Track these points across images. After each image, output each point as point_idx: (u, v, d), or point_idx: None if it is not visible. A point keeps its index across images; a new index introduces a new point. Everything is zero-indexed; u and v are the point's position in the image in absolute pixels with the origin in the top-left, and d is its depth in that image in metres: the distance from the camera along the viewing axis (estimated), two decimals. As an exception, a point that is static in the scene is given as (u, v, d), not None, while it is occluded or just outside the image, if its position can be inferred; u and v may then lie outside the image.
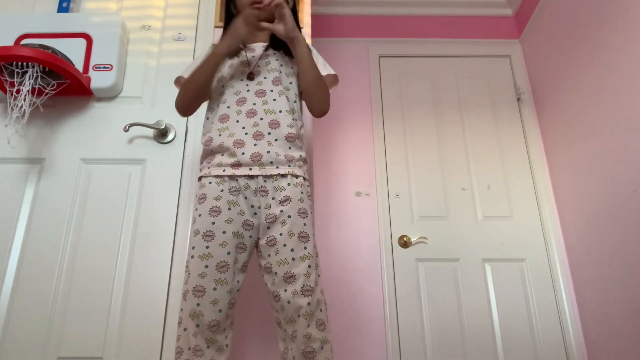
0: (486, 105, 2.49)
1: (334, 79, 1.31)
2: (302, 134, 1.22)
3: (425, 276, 2.16)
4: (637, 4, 1.70)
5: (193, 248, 1.07)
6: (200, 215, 1.09)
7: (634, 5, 1.72)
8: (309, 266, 1.06)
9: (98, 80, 1.60)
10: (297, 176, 1.13)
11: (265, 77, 1.21)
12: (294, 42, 1.18)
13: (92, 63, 1.61)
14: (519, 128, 2.44)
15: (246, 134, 1.13)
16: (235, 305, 1.12)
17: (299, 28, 1.26)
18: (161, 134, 1.61)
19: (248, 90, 1.19)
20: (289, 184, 1.11)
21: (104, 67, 1.61)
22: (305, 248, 1.07)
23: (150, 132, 1.61)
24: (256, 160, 1.11)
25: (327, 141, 2.43)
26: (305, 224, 1.09)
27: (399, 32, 2.69)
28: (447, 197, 2.30)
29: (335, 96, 2.50)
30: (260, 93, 1.18)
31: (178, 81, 1.32)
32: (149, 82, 1.68)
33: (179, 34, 1.77)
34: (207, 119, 1.25)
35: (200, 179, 1.16)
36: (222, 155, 1.13)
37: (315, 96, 1.21)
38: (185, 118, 1.65)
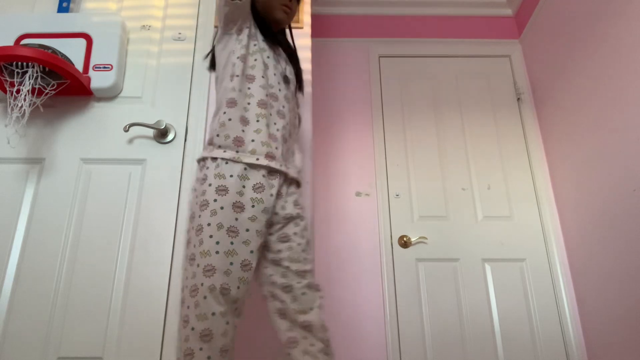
0: (486, 105, 2.49)
1: None
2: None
3: (425, 276, 2.16)
4: (637, 4, 1.70)
5: (217, 243, 1.00)
6: (222, 207, 1.01)
7: (634, 5, 1.72)
8: (312, 266, 1.14)
9: (98, 80, 1.60)
10: (299, 184, 1.21)
11: (290, 82, 1.27)
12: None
13: (92, 63, 1.61)
14: (519, 128, 2.44)
15: (277, 130, 1.15)
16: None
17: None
18: (161, 134, 1.61)
19: (280, 91, 1.21)
20: (298, 187, 1.19)
21: (104, 67, 1.61)
22: (309, 249, 1.15)
23: (150, 132, 1.61)
24: (286, 158, 1.16)
25: (327, 141, 2.43)
26: (305, 228, 1.16)
27: (399, 32, 2.69)
28: (447, 197, 2.30)
29: (335, 96, 2.50)
30: (287, 98, 1.22)
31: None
32: (149, 82, 1.68)
33: (179, 34, 1.77)
34: (239, 96, 1.12)
35: (215, 159, 1.06)
36: (255, 141, 1.07)
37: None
38: (185, 118, 1.65)
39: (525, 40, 2.58)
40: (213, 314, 0.97)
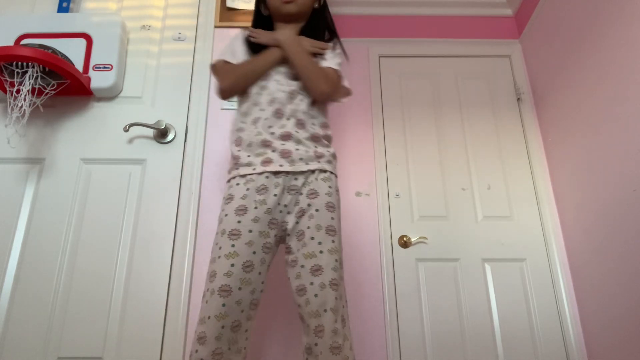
0: (486, 105, 2.48)
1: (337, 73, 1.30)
2: (328, 133, 1.26)
3: (425, 276, 2.16)
4: (637, 4, 1.70)
5: (220, 248, 1.05)
6: (226, 215, 1.08)
7: (634, 6, 1.72)
8: (336, 260, 1.06)
9: (98, 80, 1.60)
10: (325, 171, 1.15)
11: (293, 79, 1.24)
12: (282, 47, 1.22)
13: (92, 63, 1.61)
14: (519, 128, 2.44)
15: (273, 133, 1.15)
16: (258, 306, 1.10)
17: (331, 30, 1.41)
18: (161, 134, 1.61)
19: (280, 90, 1.21)
20: (316, 179, 1.13)
21: (104, 67, 1.61)
22: (333, 242, 1.07)
23: (150, 132, 1.61)
24: (286, 156, 1.12)
25: (327, 141, 2.43)
26: (332, 218, 1.10)
27: (399, 32, 2.68)
28: (447, 197, 2.30)
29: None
30: (291, 94, 1.21)
31: (219, 65, 1.27)
32: (149, 82, 1.68)
33: (179, 34, 1.77)
34: (239, 117, 1.23)
35: (229, 180, 1.16)
36: (250, 156, 1.14)
37: (306, 81, 1.21)
38: (185, 118, 1.65)
39: (525, 40, 2.58)
40: (209, 317, 1.00)
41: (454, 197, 2.29)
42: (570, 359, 2.02)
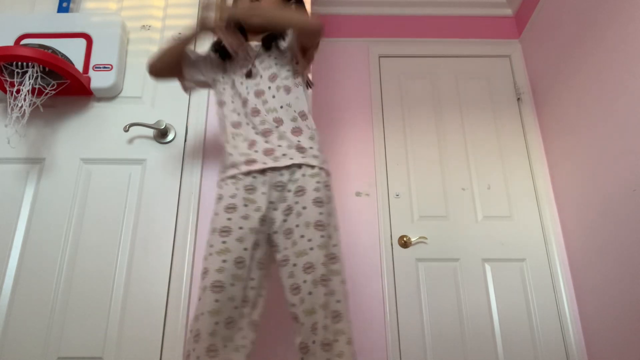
0: (486, 105, 2.48)
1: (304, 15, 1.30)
2: (309, 124, 1.20)
3: (425, 276, 2.16)
4: (637, 4, 1.70)
5: (211, 246, 1.07)
6: (217, 214, 1.11)
7: (634, 5, 1.72)
8: (325, 255, 1.05)
9: (98, 80, 1.60)
10: (312, 166, 1.13)
11: (261, 76, 1.22)
12: (249, 21, 1.20)
13: (92, 63, 1.61)
14: (519, 128, 2.44)
15: (256, 133, 1.15)
16: (257, 305, 1.09)
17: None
18: (161, 134, 1.61)
19: (248, 92, 1.20)
20: (303, 175, 1.11)
21: (104, 67, 1.61)
22: (322, 237, 1.06)
23: (150, 132, 1.62)
24: (269, 154, 1.12)
25: (327, 141, 2.43)
26: (321, 213, 1.08)
27: (399, 32, 2.68)
28: (447, 197, 2.30)
29: (335, 96, 2.50)
30: (259, 93, 1.19)
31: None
32: (149, 82, 1.68)
33: (179, 34, 1.77)
34: (221, 121, 1.25)
35: (218, 182, 1.18)
36: (235, 156, 1.15)
37: (288, 25, 1.21)
38: (185, 118, 1.65)
39: (525, 40, 2.58)
40: (202, 314, 1.01)
41: (454, 197, 2.29)
42: (570, 359, 2.02)
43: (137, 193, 1.55)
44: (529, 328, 2.07)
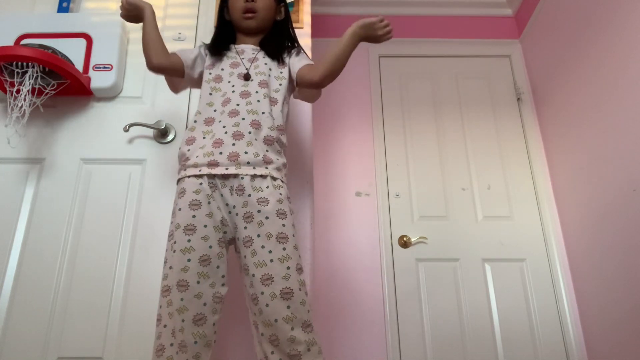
0: (486, 105, 2.49)
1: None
2: (282, 139, 1.20)
3: (425, 276, 2.16)
4: (637, 4, 1.70)
5: (175, 242, 1.07)
6: (180, 209, 1.09)
7: (634, 5, 1.72)
8: (288, 268, 1.04)
9: (98, 80, 1.59)
10: (275, 178, 1.13)
11: (252, 80, 1.22)
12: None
13: (92, 63, 1.61)
14: (519, 128, 2.44)
15: (226, 132, 1.14)
16: (223, 300, 1.09)
17: (292, 40, 1.36)
18: (161, 134, 1.61)
19: (234, 92, 1.20)
20: (267, 186, 1.10)
21: (104, 67, 1.61)
22: (284, 249, 1.05)
23: (150, 132, 1.61)
24: (233, 160, 1.10)
25: (327, 141, 2.43)
26: (284, 225, 1.08)
27: (399, 32, 2.68)
28: (447, 197, 2.30)
29: (335, 96, 2.50)
30: (245, 94, 1.19)
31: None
32: (149, 82, 1.68)
33: (179, 34, 1.77)
34: (195, 117, 1.23)
35: (178, 182, 1.16)
36: (198, 156, 1.13)
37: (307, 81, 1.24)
38: (185, 118, 1.65)
39: (525, 40, 2.58)
40: (170, 314, 1.02)
41: (454, 197, 2.29)
42: (570, 359, 2.02)
43: (137, 193, 1.55)
44: (529, 328, 2.07)
